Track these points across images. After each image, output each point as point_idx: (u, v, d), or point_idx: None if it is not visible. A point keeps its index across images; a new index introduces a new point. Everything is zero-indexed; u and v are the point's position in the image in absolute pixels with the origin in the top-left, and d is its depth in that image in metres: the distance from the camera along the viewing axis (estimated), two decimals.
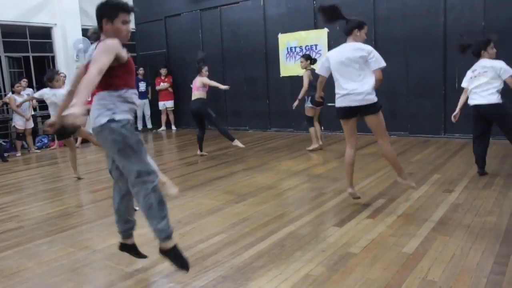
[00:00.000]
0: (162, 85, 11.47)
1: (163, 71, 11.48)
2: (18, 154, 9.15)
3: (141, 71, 11.58)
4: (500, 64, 4.90)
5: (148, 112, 11.84)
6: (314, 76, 6.52)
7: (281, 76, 9.93)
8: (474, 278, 2.73)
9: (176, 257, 2.84)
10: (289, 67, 9.76)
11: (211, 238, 3.69)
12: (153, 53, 12.24)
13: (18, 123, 9.13)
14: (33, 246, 3.80)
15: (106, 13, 2.82)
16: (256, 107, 10.38)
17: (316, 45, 9.23)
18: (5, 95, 9.51)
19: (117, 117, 2.77)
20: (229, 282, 2.88)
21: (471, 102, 5.17)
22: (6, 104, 9.38)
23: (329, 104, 9.29)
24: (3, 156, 8.52)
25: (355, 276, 2.86)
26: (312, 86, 6.93)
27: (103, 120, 2.76)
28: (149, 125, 11.95)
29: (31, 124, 9.34)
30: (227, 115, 11.09)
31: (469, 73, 5.23)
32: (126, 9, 2.84)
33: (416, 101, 8.18)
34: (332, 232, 3.69)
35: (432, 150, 6.88)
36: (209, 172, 6.38)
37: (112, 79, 2.78)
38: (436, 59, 7.87)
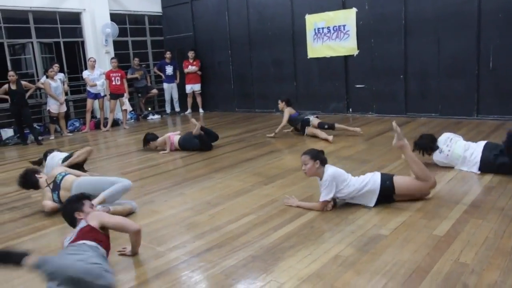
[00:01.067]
0: (190, 68, 11.51)
1: (191, 54, 11.51)
2: (52, 137, 9.41)
3: (168, 54, 11.65)
4: None
5: (176, 96, 11.93)
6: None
7: (308, 57, 9.82)
8: (509, 261, 2.68)
9: None
10: (317, 48, 9.63)
11: (240, 219, 3.74)
12: (180, 37, 12.28)
13: (53, 107, 9.39)
14: (67, 227, 3.92)
15: None
16: (283, 89, 10.31)
17: (344, 26, 9.06)
18: (38, 80, 9.75)
19: None
20: (259, 262, 2.91)
21: None
22: (39, 89, 9.62)
23: (357, 86, 9.22)
24: (38, 139, 8.79)
25: (385, 257, 2.85)
26: (293, 119, 7.51)
27: None
28: (177, 108, 12.05)
29: (64, 108, 9.59)
30: (254, 98, 11.08)
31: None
32: None
33: (448, 81, 7.96)
34: (361, 214, 3.67)
35: (464, 132, 6.70)
36: (237, 154, 6.42)
37: None
38: (469, 38, 7.61)
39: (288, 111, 7.49)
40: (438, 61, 8.03)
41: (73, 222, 3.08)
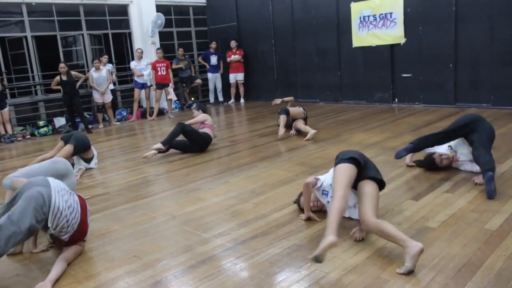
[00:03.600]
0: (233, 57, 11.57)
1: (233, 43, 11.56)
2: (101, 126, 9.76)
3: (213, 44, 11.75)
4: None
5: (219, 85, 12.05)
6: None
7: (353, 46, 9.63)
8: None
9: None
10: (362, 37, 9.43)
11: (284, 208, 3.75)
12: (224, 27, 12.35)
13: (96, 96, 9.79)
14: (118, 211, 4.08)
15: None
16: (327, 79, 10.20)
17: (391, 13, 8.81)
18: (88, 70, 10.10)
19: None
20: (303, 251, 2.92)
21: None
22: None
23: (403, 75, 8.96)
24: (88, 127, 9.14)
25: (433, 250, 2.79)
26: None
27: None
28: (220, 98, 12.17)
29: (108, 98, 9.87)
30: (297, 88, 11.01)
31: None
32: None
33: (501, 70, 7.59)
34: (408, 205, 3.60)
35: None
36: (280, 143, 6.43)
37: None
38: None
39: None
40: (491, 49, 7.66)
41: None
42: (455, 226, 3.13)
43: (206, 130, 6.40)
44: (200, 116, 6.63)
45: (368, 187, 3.04)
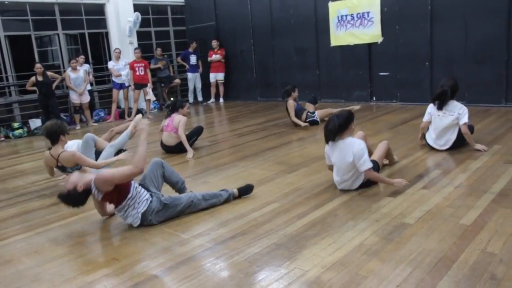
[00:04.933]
0: (214, 57, 11.52)
1: (215, 43, 11.51)
2: (78, 127, 9.60)
3: (193, 44, 11.68)
4: None
5: (199, 85, 12.00)
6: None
7: (331, 45, 9.70)
8: None
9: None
10: (340, 36, 9.51)
11: (264, 207, 3.75)
12: (203, 26, 12.29)
13: (73, 97, 9.62)
14: (96, 213, 4.01)
15: None
16: (306, 78, 10.25)
17: (368, 13, 8.90)
18: (65, 71, 9.93)
19: None
20: (283, 250, 2.93)
21: None
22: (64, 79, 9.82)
23: (381, 74, 9.08)
24: None
25: (410, 246, 2.83)
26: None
27: None
28: (200, 98, 12.12)
29: (86, 99, 9.73)
30: (276, 87, 11.04)
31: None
32: None
33: (475, 68, 7.75)
34: (385, 202, 3.64)
35: (492, 119, 6.56)
36: (260, 143, 6.43)
37: None
38: (498, 23, 7.37)
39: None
40: (465, 48, 7.82)
41: None
42: (431, 221, 3.19)
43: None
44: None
45: None
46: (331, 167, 4.14)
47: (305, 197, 3.92)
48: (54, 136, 4.54)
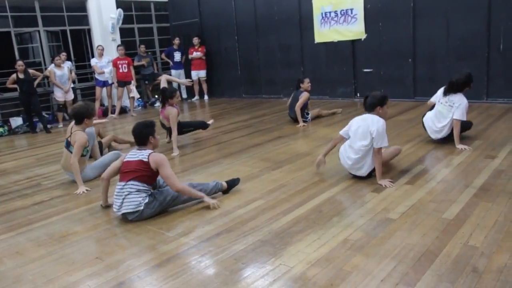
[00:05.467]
0: (195, 54, 11.45)
1: (196, 40, 11.43)
2: (60, 125, 9.46)
3: (176, 41, 11.59)
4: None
5: None
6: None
7: (315, 42, 9.73)
8: None
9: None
10: (324, 33, 9.53)
11: (249, 204, 3.75)
12: (186, 23, 12.20)
13: (58, 94, 9.44)
14: (79, 212, 3.98)
15: None
16: (291, 74, 10.24)
17: (351, 9, 8.95)
18: (46, 68, 9.77)
19: None
20: (268, 246, 2.93)
21: None
22: (47, 77, 9.66)
23: (364, 70, 9.13)
24: (47, 127, 8.85)
25: (394, 241, 2.86)
26: None
27: None
28: (184, 95, 12.04)
29: (70, 96, 9.60)
30: (261, 84, 11.04)
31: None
32: None
33: (457, 64, 7.83)
34: (370, 198, 3.67)
35: (473, 115, 6.64)
36: (245, 140, 6.42)
37: None
38: (479, 19, 7.48)
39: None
40: (447, 44, 7.92)
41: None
42: (414, 216, 3.23)
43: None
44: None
45: None
46: (339, 140, 4.36)
47: (290, 194, 3.93)
48: (79, 118, 4.85)
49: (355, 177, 4.22)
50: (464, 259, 2.56)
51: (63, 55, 9.76)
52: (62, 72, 9.35)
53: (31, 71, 8.95)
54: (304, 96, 7.09)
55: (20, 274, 2.86)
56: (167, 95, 6.11)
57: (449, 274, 2.42)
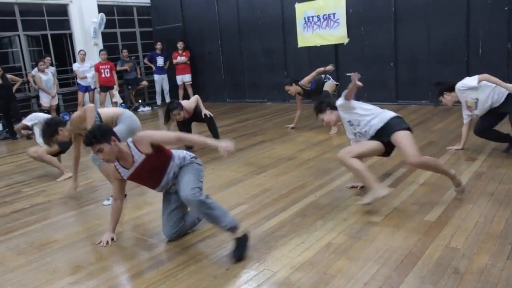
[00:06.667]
0: (180, 59, 11.40)
1: (180, 45, 11.38)
2: None
3: (159, 45, 11.52)
4: None
5: (166, 87, 11.83)
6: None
7: (298, 46, 9.78)
8: (498, 245, 2.71)
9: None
10: (307, 37, 9.60)
11: (233, 209, 3.73)
12: (170, 27, 12.14)
13: (44, 100, 9.32)
14: (60, 220, 3.92)
15: None
16: (274, 79, 10.28)
17: (334, 14, 9.02)
18: (27, 73, 9.63)
19: None
20: (252, 251, 2.92)
21: None
22: (27, 82, 9.52)
23: (347, 74, 9.20)
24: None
25: (377, 244, 2.87)
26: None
27: None
28: (168, 100, 11.97)
29: (56, 101, 9.52)
30: (245, 88, 11.04)
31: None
32: None
33: (438, 68, 7.97)
34: (353, 201, 3.69)
35: (454, 118, 6.75)
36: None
37: None
38: (458, 24, 7.62)
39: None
40: (428, 48, 8.04)
41: None
42: (397, 219, 3.25)
43: None
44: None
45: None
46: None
47: (274, 198, 3.93)
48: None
49: (339, 181, 4.24)
50: (446, 261, 2.58)
51: (48, 59, 9.63)
52: (47, 77, 9.24)
53: (9, 76, 8.79)
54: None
55: None
56: (171, 109, 6.21)
57: (431, 276, 2.44)
